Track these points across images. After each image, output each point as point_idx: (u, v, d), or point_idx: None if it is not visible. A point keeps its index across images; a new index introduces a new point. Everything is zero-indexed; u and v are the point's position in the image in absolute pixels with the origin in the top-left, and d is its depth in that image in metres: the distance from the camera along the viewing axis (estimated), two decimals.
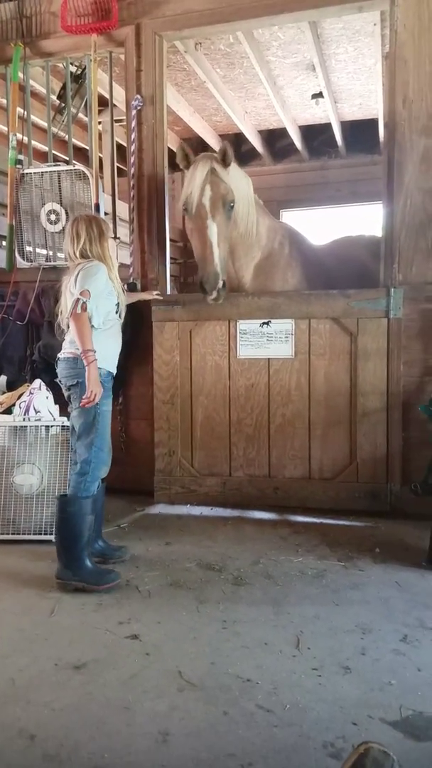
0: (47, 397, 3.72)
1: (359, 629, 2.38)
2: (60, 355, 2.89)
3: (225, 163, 3.37)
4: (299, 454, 3.69)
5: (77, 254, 2.86)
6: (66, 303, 2.83)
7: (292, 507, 3.70)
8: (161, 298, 3.73)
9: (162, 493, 3.80)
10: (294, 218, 7.28)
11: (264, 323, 3.61)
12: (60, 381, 2.91)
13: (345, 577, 2.85)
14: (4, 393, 3.82)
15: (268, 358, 3.67)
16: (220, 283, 3.33)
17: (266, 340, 3.63)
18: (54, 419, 3.46)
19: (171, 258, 4.30)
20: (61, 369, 2.88)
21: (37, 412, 3.58)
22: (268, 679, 2.07)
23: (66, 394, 2.91)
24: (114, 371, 2.95)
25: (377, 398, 3.58)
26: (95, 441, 2.79)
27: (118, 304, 2.90)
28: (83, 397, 2.71)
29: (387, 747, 1.35)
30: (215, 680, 2.07)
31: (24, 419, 3.42)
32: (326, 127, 6.69)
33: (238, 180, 3.57)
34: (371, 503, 3.60)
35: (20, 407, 3.50)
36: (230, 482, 3.76)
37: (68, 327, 2.82)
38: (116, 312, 2.91)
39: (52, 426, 3.38)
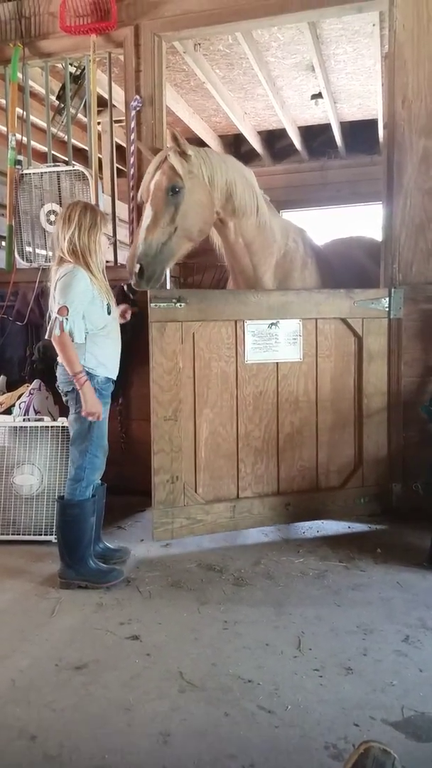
0: (47, 398, 3.72)
1: (361, 630, 2.38)
2: (58, 359, 2.85)
3: (183, 153, 3.21)
4: (307, 464, 3.51)
5: (64, 243, 2.74)
6: (52, 312, 2.75)
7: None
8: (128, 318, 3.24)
9: (163, 530, 3.22)
10: (294, 219, 7.27)
11: (272, 324, 3.36)
12: (58, 386, 2.90)
13: (346, 577, 2.85)
14: (3, 393, 3.81)
15: (276, 362, 3.40)
16: (137, 268, 3.15)
17: (274, 342, 3.38)
18: (54, 420, 3.45)
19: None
20: (58, 374, 2.86)
21: (36, 412, 3.58)
22: (270, 680, 2.07)
23: (64, 399, 2.91)
24: (113, 375, 2.90)
25: (379, 399, 3.57)
26: (89, 448, 2.78)
27: (108, 305, 2.82)
28: (83, 411, 2.71)
29: (388, 746, 1.35)
30: (216, 681, 2.06)
31: (24, 420, 3.42)
32: (326, 128, 6.70)
33: (227, 167, 3.40)
34: (375, 506, 3.58)
35: (20, 407, 3.50)
36: (240, 506, 3.37)
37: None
38: (108, 313, 2.82)
39: (51, 426, 3.37)
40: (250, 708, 1.93)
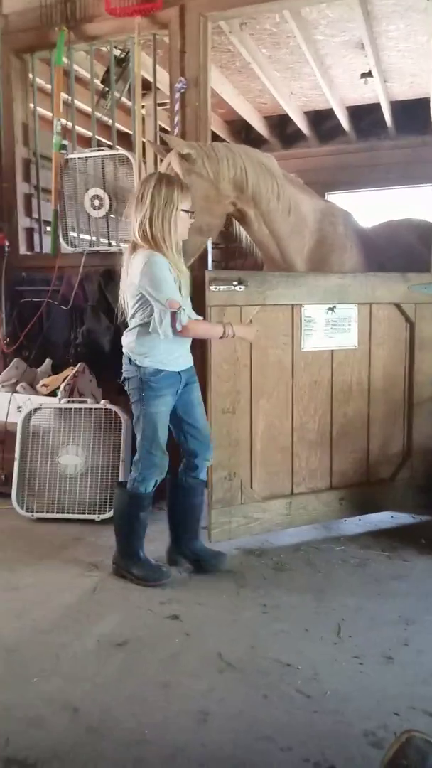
0: (90, 381, 3.78)
1: (402, 620, 2.34)
2: (125, 351, 2.73)
3: (186, 158, 3.14)
4: (359, 456, 3.37)
5: (135, 226, 2.56)
6: (126, 299, 2.64)
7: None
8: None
9: (220, 531, 3.02)
10: (341, 201, 7.12)
11: (330, 308, 3.16)
12: (120, 380, 2.78)
13: (388, 567, 2.80)
14: (49, 376, 3.89)
15: (332, 350, 3.22)
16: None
17: (331, 329, 3.20)
18: (97, 402, 3.50)
19: (212, 243, 4.27)
20: (125, 365, 2.73)
21: (80, 394, 3.64)
22: (309, 665, 2.06)
23: (127, 389, 2.76)
24: (176, 368, 2.66)
25: (429, 388, 3.45)
26: (144, 443, 2.66)
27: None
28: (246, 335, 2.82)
29: (430, 736, 1.32)
30: (255, 663, 2.07)
31: (68, 401, 3.48)
32: (375, 108, 6.48)
33: (233, 162, 3.28)
34: (422, 497, 3.48)
35: (65, 390, 3.56)
36: (295, 502, 3.20)
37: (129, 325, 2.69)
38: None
39: (95, 408, 3.42)
40: (288, 692, 1.92)
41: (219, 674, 2.02)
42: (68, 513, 3.35)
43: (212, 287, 2.93)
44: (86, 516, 3.33)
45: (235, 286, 2.97)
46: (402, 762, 1.25)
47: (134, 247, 2.62)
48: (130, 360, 2.66)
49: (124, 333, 2.74)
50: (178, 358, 2.66)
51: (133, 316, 2.65)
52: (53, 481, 3.39)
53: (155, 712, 1.84)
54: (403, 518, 3.40)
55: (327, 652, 2.14)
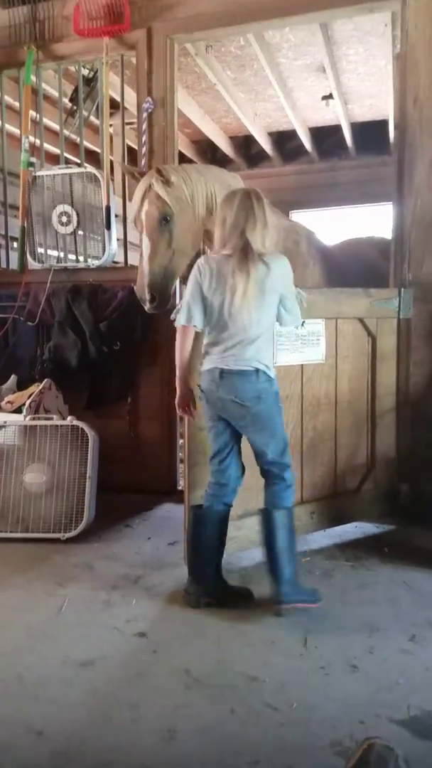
0: (57, 397, 3.76)
1: (367, 628, 2.37)
2: (240, 367, 2.47)
3: (166, 181, 3.23)
4: (327, 469, 3.40)
5: (257, 240, 2.49)
6: (249, 310, 2.45)
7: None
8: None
9: None
10: (304, 219, 7.28)
11: (300, 324, 3.14)
12: (236, 398, 2.48)
13: (353, 576, 2.84)
14: (14, 392, 3.84)
15: (302, 365, 3.25)
16: (148, 296, 3.26)
17: (300, 344, 3.24)
18: (63, 419, 3.48)
19: None
20: (241, 382, 2.48)
21: (46, 411, 3.61)
22: (275, 677, 2.07)
23: (242, 412, 2.52)
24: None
25: (389, 399, 3.55)
26: (287, 458, 2.60)
27: None
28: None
29: (391, 743, 1.35)
30: (222, 678, 2.07)
31: (33, 418, 3.45)
32: (336, 129, 6.70)
33: (204, 185, 3.37)
34: (385, 506, 3.55)
35: (30, 406, 3.53)
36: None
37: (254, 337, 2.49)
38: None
39: (61, 425, 3.40)
40: (255, 705, 1.93)
41: (186, 691, 2.01)
42: (33, 532, 3.30)
43: None
44: (52, 535, 3.28)
45: None
46: None
47: (246, 260, 2.45)
48: (263, 374, 2.48)
49: (244, 347, 2.47)
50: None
51: (258, 326, 2.48)
52: (18, 499, 3.34)
53: (122, 733, 1.82)
54: (367, 528, 3.46)
55: (293, 663, 2.15)
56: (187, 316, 2.54)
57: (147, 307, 3.33)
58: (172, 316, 2.67)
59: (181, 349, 2.59)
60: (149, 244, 3.29)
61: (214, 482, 2.64)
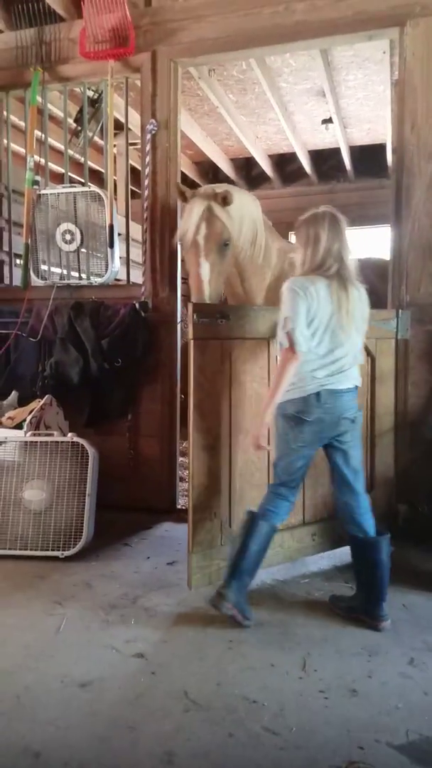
0: (57, 413, 3.77)
1: (366, 652, 2.37)
2: (350, 384, 2.61)
3: (225, 203, 3.31)
4: (327, 490, 3.31)
5: (349, 261, 2.60)
6: (356, 332, 2.61)
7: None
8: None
9: (201, 576, 2.89)
10: None
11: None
12: (348, 415, 2.61)
13: None
14: (15, 408, 3.85)
15: None
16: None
17: None
18: (63, 435, 3.49)
19: (182, 278, 4.35)
20: (351, 399, 2.62)
21: (47, 427, 3.62)
22: (275, 700, 2.06)
23: (351, 428, 2.64)
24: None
25: (388, 419, 3.56)
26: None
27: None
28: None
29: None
30: (221, 701, 2.06)
31: (33, 434, 3.45)
32: (335, 152, 6.81)
33: (243, 207, 3.50)
34: (383, 527, 3.53)
35: (31, 423, 3.54)
36: (273, 540, 2.98)
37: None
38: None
39: (61, 442, 3.40)
40: (255, 729, 1.92)
41: (185, 713, 2.00)
42: (32, 549, 3.29)
43: (195, 320, 2.87)
44: (50, 553, 3.27)
45: (217, 319, 2.94)
46: None
47: (347, 281, 2.57)
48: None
49: (351, 365, 2.62)
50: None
51: (357, 345, 2.65)
52: (17, 516, 3.33)
53: (120, 756, 1.81)
54: None
55: (293, 686, 2.14)
56: (304, 343, 2.49)
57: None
58: (279, 340, 2.58)
59: (287, 378, 2.51)
60: (208, 267, 3.29)
61: (286, 502, 2.67)
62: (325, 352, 2.54)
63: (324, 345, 2.54)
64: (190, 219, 3.32)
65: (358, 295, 2.59)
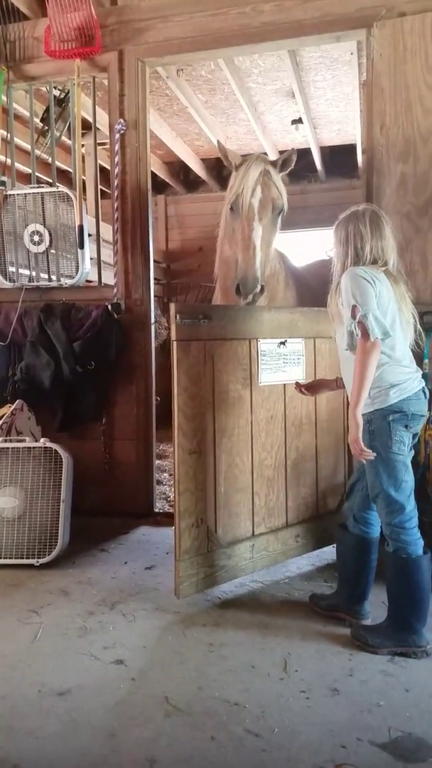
0: (29, 418, 3.70)
1: (347, 650, 2.37)
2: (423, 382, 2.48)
3: (283, 168, 3.23)
4: (309, 490, 3.36)
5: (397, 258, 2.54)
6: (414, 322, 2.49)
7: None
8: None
9: (188, 584, 2.79)
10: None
11: (281, 343, 3.15)
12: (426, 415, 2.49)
13: None
14: None
15: (284, 384, 3.19)
16: (258, 288, 3.14)
17: (282, 363, 3.17)
18: (36, 440, 3.42)
19: (155, 279, 4.32)
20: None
21: (19, 433, 3.55)
22: (256, 702, 2.05)
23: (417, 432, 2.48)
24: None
25: None
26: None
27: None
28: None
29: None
30: (202, 705, 2.04)
31: (5, 440, 3.38)
32: (306, 153, 6.83)
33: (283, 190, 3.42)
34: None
35: (2, 428, 3.46)
36: (257, 544, 3.07)
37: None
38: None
39: (33, 447, 3.34)
40: (237, 732, 1.90)
41: (166, 719, 1.97)
42: (5, 558, 3.22)
43: (178, 321, 2.79)
44: (25, 561, 3.21)
45: (200, 320, 2.87)
46: None
47: (402, 276, 2.55)
48: None
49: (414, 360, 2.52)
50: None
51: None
52: None
53: (102, 764, 1.78)
54: None
55: (274, 688, 2.14)
56: (381, 328, 2.26)
57: (247, 300, 3.14)
58: (347, 329, 2.37)
59: (371, 371, 2.27)
60: (261, 232, 3.13)
61: (413, 526, 2.38)
62: (400, 345, 2.41)
63: (396, 337, 2.38)
64: (246, 181, 3.21)
65: (407, 290, 2.51)
